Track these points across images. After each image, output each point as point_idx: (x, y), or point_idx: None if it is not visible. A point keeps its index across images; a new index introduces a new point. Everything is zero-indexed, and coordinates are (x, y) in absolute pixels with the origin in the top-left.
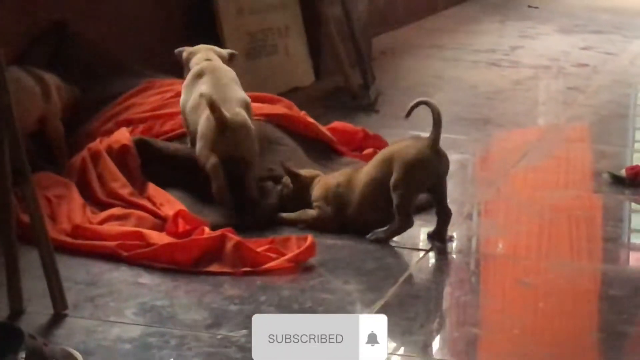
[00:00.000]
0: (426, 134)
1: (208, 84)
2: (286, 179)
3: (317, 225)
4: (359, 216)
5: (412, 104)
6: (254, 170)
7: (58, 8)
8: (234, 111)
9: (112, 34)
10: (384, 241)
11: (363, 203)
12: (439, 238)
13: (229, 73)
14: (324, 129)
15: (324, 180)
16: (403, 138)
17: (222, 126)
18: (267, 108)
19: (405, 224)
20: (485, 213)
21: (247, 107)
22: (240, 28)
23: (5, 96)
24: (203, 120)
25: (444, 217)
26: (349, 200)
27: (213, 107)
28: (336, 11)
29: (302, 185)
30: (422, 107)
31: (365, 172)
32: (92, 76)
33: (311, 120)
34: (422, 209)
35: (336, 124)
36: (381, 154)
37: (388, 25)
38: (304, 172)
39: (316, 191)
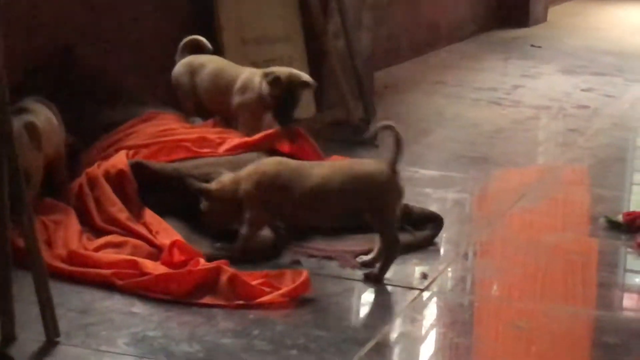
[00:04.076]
0: (426, 171)
1: None
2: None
3: (254, 229)
4: (301, 215)
5: (376, 127)
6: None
7: (62, 33)
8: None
9: (114, 61)
10: (381, 277)
11: (313, 204)
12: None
13: None
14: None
15: (254, 170)
16: (358, 160)
17: None
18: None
19: (396, 250)
20: (481, 253)
21: None
22: (244, 58)
23: (6, 124)
24: None
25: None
26: (292, 193)
27: None
28: (340, 44)
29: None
30: (424, 145)
31: (321, 175)
32: (95, 102)
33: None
34: (417, 248)
35: (335, 158)
36: (342, 167)
37: (391, 59)
38: (218, 184)
39: (247, 184)
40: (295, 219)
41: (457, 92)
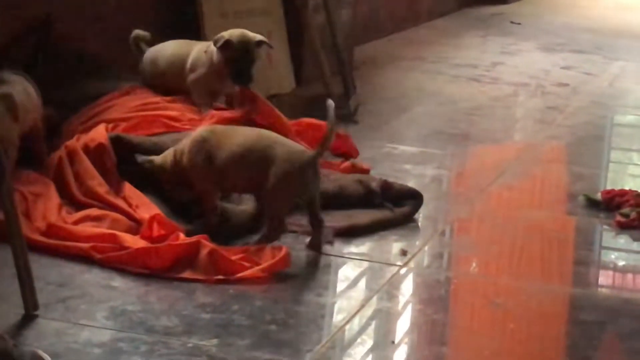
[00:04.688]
0: (405, 147)
1: None
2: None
3: (208, 201)
4: (224, 183)
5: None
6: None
7: (41, 5)
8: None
9: (94, 33)
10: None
11: (230, 166)
12: None
13: None
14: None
15: (189, 140)
16: (288, 141)
17: None
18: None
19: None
20: (459, 230)
21: None
22: (223, 31)
23: None
24: None
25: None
26: (215, 159)
27: None
28: (320, 19)
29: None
30: (403, 121)
31: (241, 143)
32: (74, 75)
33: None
34: (396, 224)
35: (303, 119)
36: (260, 138)
37: (371, 35)
38: (162, 158)
39: (186, 156)
40: (222, 187)
41: (436, 69)
